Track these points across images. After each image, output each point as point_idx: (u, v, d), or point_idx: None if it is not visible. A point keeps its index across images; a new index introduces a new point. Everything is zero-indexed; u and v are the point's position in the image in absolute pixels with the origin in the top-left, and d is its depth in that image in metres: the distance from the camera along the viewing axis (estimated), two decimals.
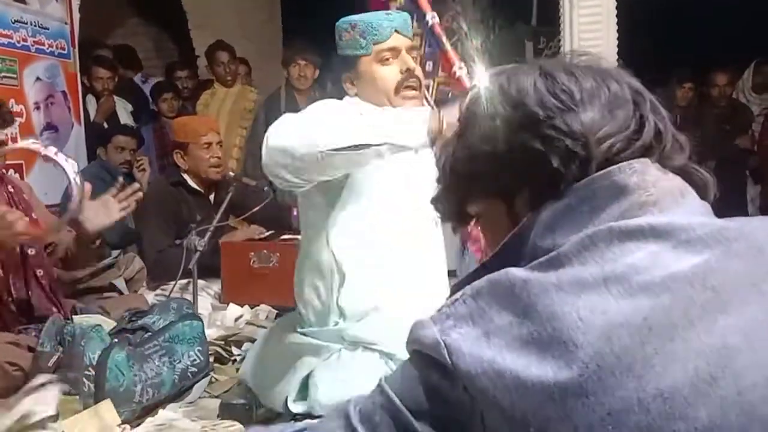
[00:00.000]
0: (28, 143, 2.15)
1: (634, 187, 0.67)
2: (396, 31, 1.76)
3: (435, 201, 0.81)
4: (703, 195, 0.71)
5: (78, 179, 1.94)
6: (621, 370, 0.57)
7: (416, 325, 0.67)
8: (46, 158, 2.00)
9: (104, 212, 2.23)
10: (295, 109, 4.18)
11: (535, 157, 0.69)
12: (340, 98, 1.80)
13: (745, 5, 5.22)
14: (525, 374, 0.59)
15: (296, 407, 1.74)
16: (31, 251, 2.20)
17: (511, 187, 0.72)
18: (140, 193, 2.29)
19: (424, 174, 1.50)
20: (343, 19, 1.82)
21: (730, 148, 4.68)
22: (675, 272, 0.61)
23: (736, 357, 0.58)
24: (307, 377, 1.75)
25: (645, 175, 0.68)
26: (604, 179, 0.67)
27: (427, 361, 0.64)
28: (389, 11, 1.92)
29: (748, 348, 0.58)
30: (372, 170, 1.68)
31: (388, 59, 1.75)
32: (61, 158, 1.95)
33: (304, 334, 1.82)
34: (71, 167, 1.95)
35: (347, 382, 1.67)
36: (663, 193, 0.67)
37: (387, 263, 1.77)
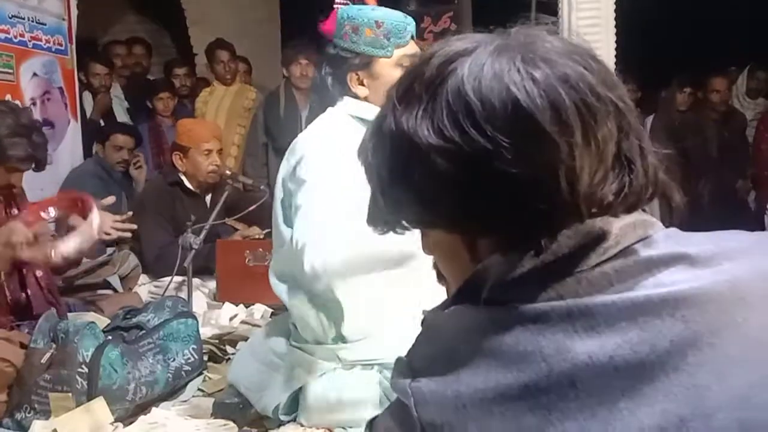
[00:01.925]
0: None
1: (600, 238, 0.59)
2: (412, 36, 1.71)
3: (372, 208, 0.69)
4: (674, 205, 0.64)
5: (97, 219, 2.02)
6: (585, 416, 0.53)
7: (397, 364, 0.63)
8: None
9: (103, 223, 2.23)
10: (294, 108, 4.20)
11: (502, 208, 0.58)
12: (341, 94, 1.72)
13: (740, 11, 5.24)
14: (488, 420, 0.55)
15: (286, 417, 1.73)
16: None
17: (466, 229, 0.62)
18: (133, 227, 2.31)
19: None
20: (358, 12, 1.70)
21: (729, 153, 4.69)
22: (642, 303, 0.56)
23: (705, 396, 0.53)
24: (298, 390, 1.72)
25: (610, 224, 0.60)
26: (577, 235, 0.58)
27: (399, 407, 0.61)
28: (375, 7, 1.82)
29: (718, 385, 0.54)
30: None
31: (407, 65, 1.68)
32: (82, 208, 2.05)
33: (298, 347, 1.76)
34: (95, 211, 2.04)
35: (340, 401, 1.66)
36: (624, 234, 0.59)
37: (385, 283, 1.68)
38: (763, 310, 0.57)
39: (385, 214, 0.67)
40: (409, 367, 0.61)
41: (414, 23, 1.74)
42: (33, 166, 2.15)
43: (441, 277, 0.72)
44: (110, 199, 2.33)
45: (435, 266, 0.72)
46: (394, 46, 1.67)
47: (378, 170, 0.64)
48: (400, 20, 1.70)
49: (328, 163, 1.59)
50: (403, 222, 0.66)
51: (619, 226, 0.60)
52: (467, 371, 0.57)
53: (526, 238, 0.59)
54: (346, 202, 1.50)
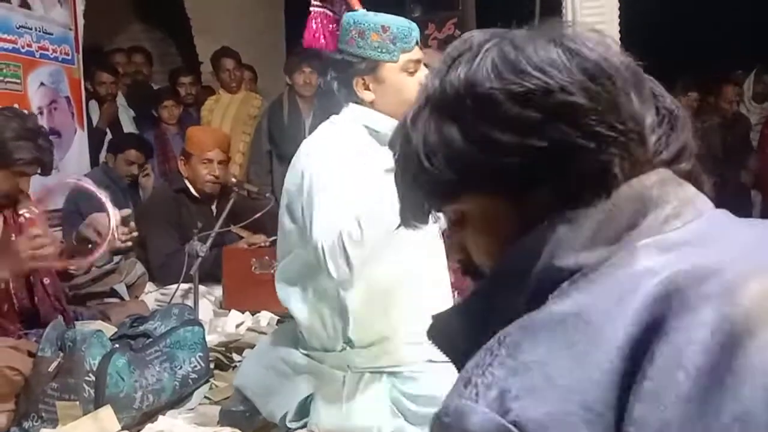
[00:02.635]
0: (78, 180, 2.18)
1: (657, 201, 0.59)
2: (416, 43, 1.71)
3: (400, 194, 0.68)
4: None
5: (115, 216, 2.06)
6: (697, 400, 0.49)
7: (455, 415, 0.53)
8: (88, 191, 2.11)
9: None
10: (298, 116, 4.22)
11: (568, 151, 0.58)
12: (346, 100, 1.72)
13: (746, 13, 5.23)
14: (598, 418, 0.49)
15: (294, 425, 1.72)
16: None
17: (524, 184, 0.60)
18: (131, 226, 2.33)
19: None
20: (364, 17, 1.71)
21: (734, 157, 4.68)
22: (729, 281, 0.53)
23: None
24: (307, 397, 1.72)
25: (665, 186, 0.60)
26: (631, 189, 0.59)
27: None
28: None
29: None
30: None
31: (412, 71, 1.69)
32: (106, 200, 2.05)
33: (306, 354, 1.75)
34: (111, 205, 2.09)
35: (351, 410, 1.65)
36: (684, 205, 0.60)
37: (394, 289, 1.68)
38: None
39: (426, 193, 0.66)
40: (479, 399, 0.52)
41: (418, 30, 1.74)
42: (39, 170, 2.16)
43: (469, 270, 0.68)
44: (125, 211, 2.35)
45: (462, 259, 0.69)
46: (400, 51, 1.68)
47: (425, 138, 0.63)
48: (406, 25, 1.71)
49: (336, 167, 1.60)
50: (446, 194, 0.64)
51: (679, 197, 0.60)
52: (560, 379, 0.51)
53: (591, 181, 0.58)
54: (357, 204, 1.50)
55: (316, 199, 1.57)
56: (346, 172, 1.58)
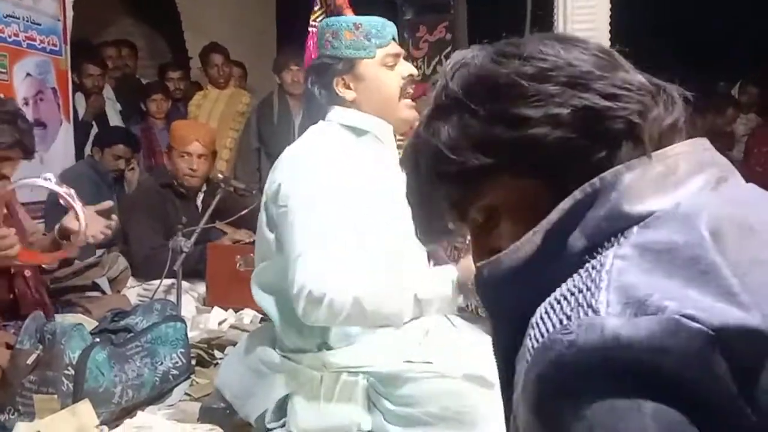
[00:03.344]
0: (40, 181, 2.15)
1: (709, 162, 0.63)
2: (393, 38, 1.72)
3: (424, 200, 0.71)
4: None
5: (84, 217, 2.07)
6: None
7: (607, 338, 0.50)
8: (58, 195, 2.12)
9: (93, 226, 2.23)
10: (288, 114, 4.22)
11: (591, 114, 0.62)
12: (329, 103, 1.72)
13: (733, 25, 5.28)
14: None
15: (273, 425, 1.71)
16: None
17: (559, 156, 0.62)
18: (114, 220, 2.31)
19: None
20: (337, 18, 1.75)
21: None
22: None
23: None
24: (285, 398, 1.70)
25: (710, 152, 0.64)
26: (682, 148, 0.63)
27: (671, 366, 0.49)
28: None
29: None
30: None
31: (391, 65, 1.70)
32: (71, 198, 2.04)
33: (284, 355, 1.74)
34: (80, 206, 2.09)
35: (328, 409, 1.64)
36: (730, 171, 0.64)
37: (372, 293, 1.63)
38: None
39: (451, 195, 0.68)
40: (631, 306, 0.51)
41: (393, 25, 1.76)
42: (22, 155, 2.13)
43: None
44: (107, 204, 2.33)
45: (478, 256, 0.69)
46: (376, 47, 1.68)
47: (446, 135, 0.66)
48: (379, 21, 1.72)
49: (321, 174, 1.59)
50: (475, 181, 0.66)
51: (721, 163, 0.64)
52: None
53: (619, 148, 0.62)
54: (342, 213, 1.49)
55: (295, 230, 1.55)
56: (332, 179, 1.58)
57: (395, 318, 1.56)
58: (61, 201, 2.17)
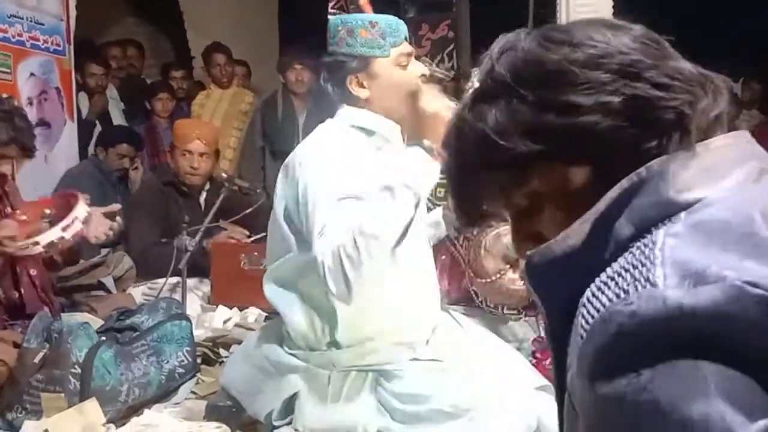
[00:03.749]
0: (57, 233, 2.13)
1: (750, 155, 0.63)
2: (405, 37, 1.72)
3: (464, 186, 0.71)
4: None
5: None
6: None
7: (670, 307, 0.51)
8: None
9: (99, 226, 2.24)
10: (292, 113, 4.23)
11: (642, 103, 0.62)
12: (342, 101, 1.72)
13: (735, 21, 5.28)
14: None
15: (279, 423, 1.72)
16: None
17: (607, 144, 0.62)
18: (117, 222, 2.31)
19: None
20: (353, 16, 1.74)
21: None
22: None
23: None
24: (292, 396, 1.71)
25: (752, 145, 0.65)
26: (725, 140, 0.63)
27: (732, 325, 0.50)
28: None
29: None
30: None
31: (404, 64, 1.69)
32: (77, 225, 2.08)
33: (292, 353, 1.75)
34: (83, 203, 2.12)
35: (336, 408, 1.65)
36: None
37: (384, 292, 1.65)
38: None
39: (497, 180, 0.67)
40: (687, 278, 0.52)
41: (405, 25, 1.76)
42: (20, 152, 2.13)
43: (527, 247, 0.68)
44: (114, 207, 2.34)
45: (523, 245, 0.69)
46: (391, 45, 1.68)
47: (494, 120, 0.65)
48: (393, 20, 1.72)
49: (331, 170, 1.59)
50: (518, 177, 0.66)
51: (761, 157, 0.64)
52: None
53: (668, 138, 0.62)
54: (353, 217, 1.49)
55: (316, 212, 1.55)
56: (341, 181, 1.57)
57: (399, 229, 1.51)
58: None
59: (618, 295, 0.55)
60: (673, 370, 0.50)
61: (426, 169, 1.53)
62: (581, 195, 0.64)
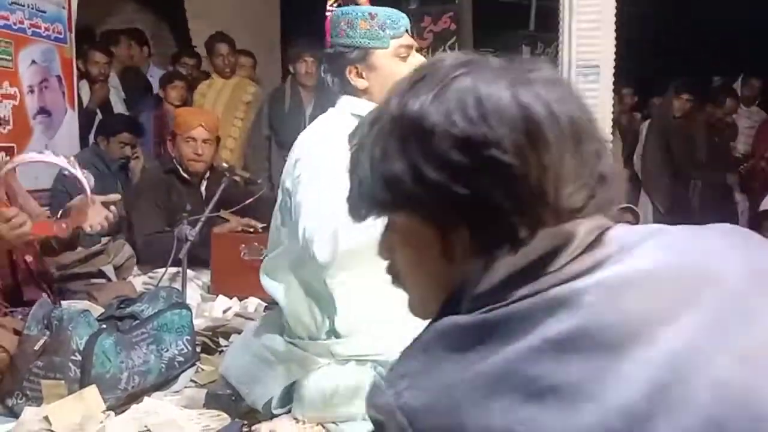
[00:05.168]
0: (41, 156, 2.16)
1: (568, 240, 0.62)
2: (406, 29, 1.73)
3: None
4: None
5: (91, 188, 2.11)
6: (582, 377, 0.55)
7: (372, 391, 0.63)
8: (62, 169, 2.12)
9: (96, 215, 2.25)
10: (299, 104, 4.22)
11: (485, 204, 0.61)
12: (341, 91, 1.73)
13: (736, 18, 5.27)
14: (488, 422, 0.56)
15: (279, 411, 1.73)
16: None
17: (448, 220, 0.63)
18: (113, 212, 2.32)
19: None
20: (353, 7, 1.75)
21: (721, 159, 4.73)
22: (611, 282, 0.59)
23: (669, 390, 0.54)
24: (291, 385, 1.72)
25: (603, 233, 0.64)
26: (549, 237, 0.62)
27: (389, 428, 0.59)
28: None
29: (676, 381, 0.54)
30: None
31: (404, 56, 1.70)
32: (78, 172, 2.03)
33: (291, 342, 1.76)
34: (86, 180, 2.11)
35: (334, 396, 1.66)
36: (618, 247, 0.63)
37: (381, 279, 1.69)
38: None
39: (366, 198, 0.68)
40: (390, 385, 0.61)
41: (407, 17, 1.76)
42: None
43: (397, 280, 0.74)
44: (114, 196, 2.35)
45: (390, 269, 0.74)
46: (390, 37, 1.69)
47: (372, 149, 0.66)
48: (393, 12, 1.73)
49: (328, 158, 1.60)
50: (382, 205, 0.67)
51: (585, 229, 0.63)
52: (460, 378, 0.58)
53: (504, 236, 0.62)
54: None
55: (308, 187, 1.58)
56: (336, 162, 1.58)
57: None
58: (65, 172, 2.17)
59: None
60: None
61: None
62: (425, 248, 0.66)
